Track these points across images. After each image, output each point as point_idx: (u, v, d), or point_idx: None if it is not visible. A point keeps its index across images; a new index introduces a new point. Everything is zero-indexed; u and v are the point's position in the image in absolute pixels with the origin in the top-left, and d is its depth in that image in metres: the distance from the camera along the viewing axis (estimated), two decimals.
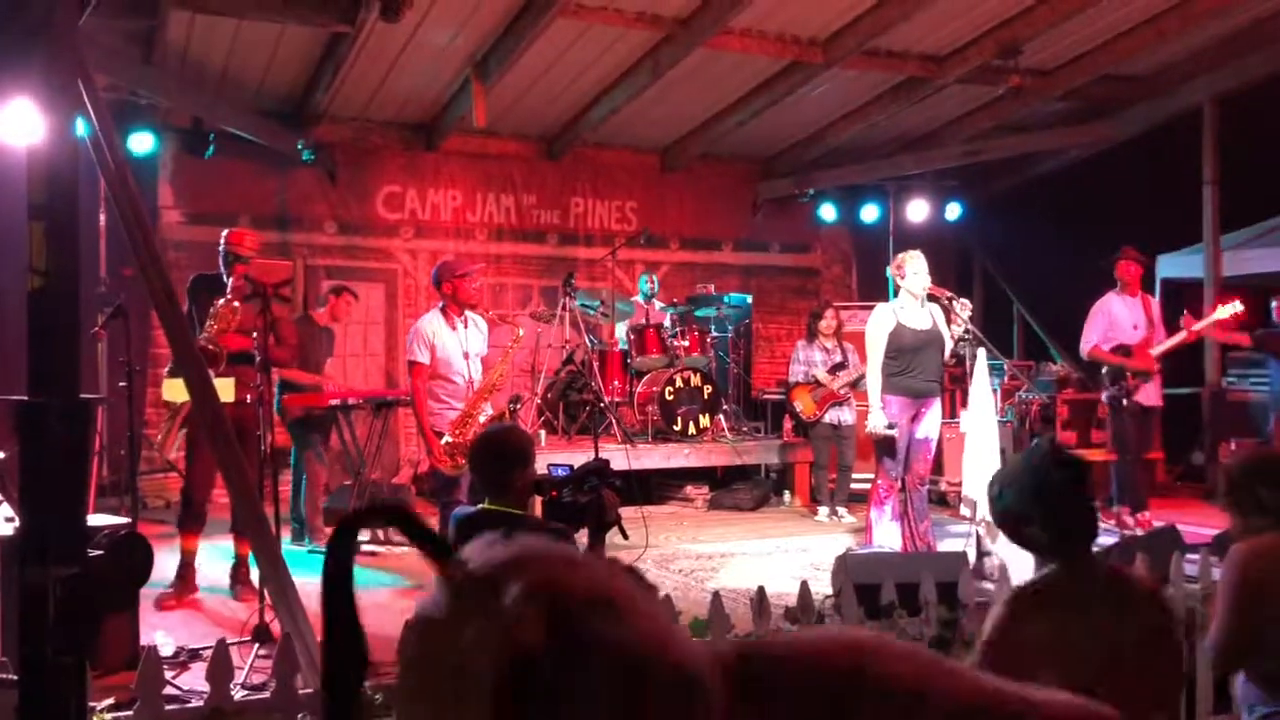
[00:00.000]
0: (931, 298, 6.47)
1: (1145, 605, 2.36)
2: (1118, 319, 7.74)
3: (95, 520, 4.67)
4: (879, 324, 6.56)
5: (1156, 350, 7.68)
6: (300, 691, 3.59)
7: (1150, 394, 7.70)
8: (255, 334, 5.15)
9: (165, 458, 6.04)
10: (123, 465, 7.61)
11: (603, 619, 0.85)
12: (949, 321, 6.49)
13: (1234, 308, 7.72)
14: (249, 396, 5.23)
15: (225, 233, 5.90)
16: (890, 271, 6.64)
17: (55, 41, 2.66)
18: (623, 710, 0.84)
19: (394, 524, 1.01)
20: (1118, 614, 2.29)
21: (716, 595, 4.07)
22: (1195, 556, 4.99)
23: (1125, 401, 7.58)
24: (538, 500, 4.09)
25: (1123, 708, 2.28)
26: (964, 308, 6.39)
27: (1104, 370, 7.81)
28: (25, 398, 2.67)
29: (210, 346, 5.36)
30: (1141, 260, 7.87)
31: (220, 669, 3.45)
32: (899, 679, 1.01)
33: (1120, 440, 7.73)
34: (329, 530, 7.41)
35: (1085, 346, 7.84)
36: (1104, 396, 7.84)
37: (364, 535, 7.47)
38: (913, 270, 6.41)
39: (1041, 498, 2.32)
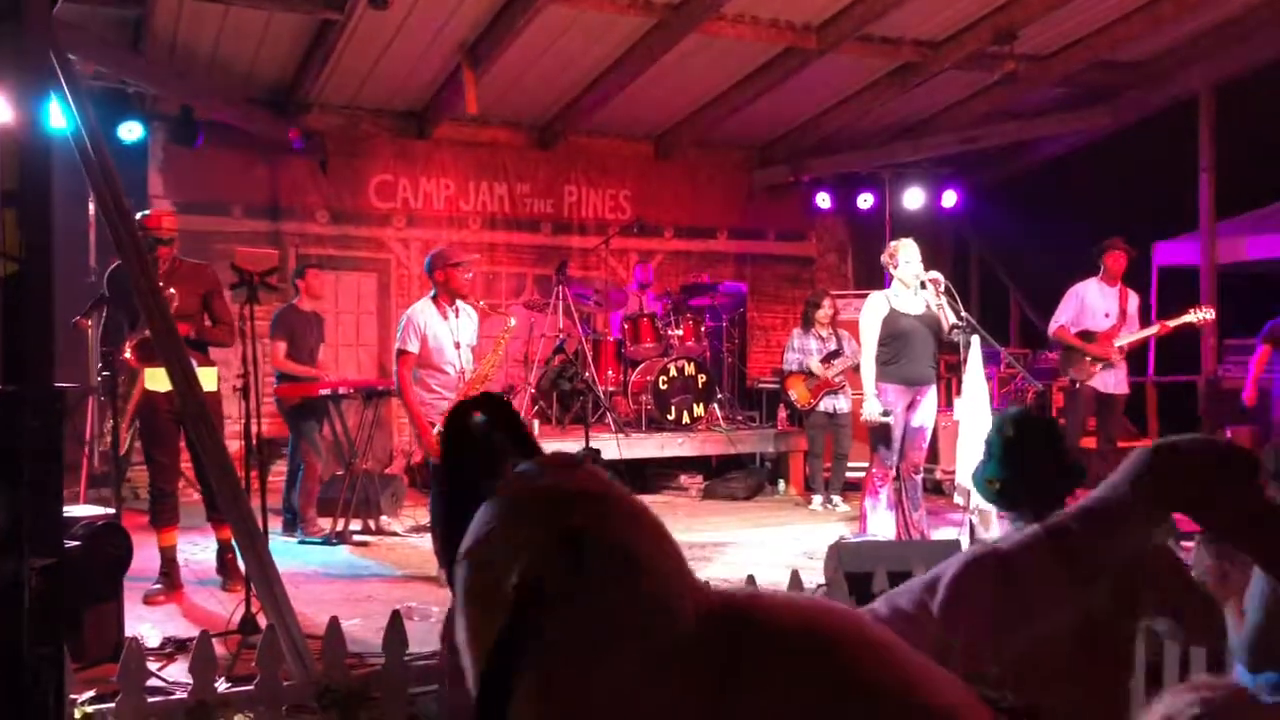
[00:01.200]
0: (924, 285, 6.44)
1: (1113, 577, 2.40)
2: (1091, 305, 7.84)
3: (80, 511, 4.65)
4: (872, 312, 6.54)
5: (1120, 341, 7.75)
6: (285, 683, 3.57)
7: (1110, 381, 7.78)
8: (193, 318, 5.09)
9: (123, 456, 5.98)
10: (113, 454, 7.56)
11: (617, 568, 1.01)
12: (954, 311, 6.42)
13: (1206, 314, 7.82)
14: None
15: (139, 216, 5.83)
16: (883, 260, 6.61)
17: (26, 24, 2.61)
18: (605, 649, 0.99)
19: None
20: (1081, 585, 2.31)
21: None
22: (1189, 544, 4.98)
23: (1078, 385, 7.72)
24: None
25: (1084, 680, 2.29)
26: (936, 283, 6.32)
27: (1062, 353, 7.93)
28: None
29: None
30: (1130, 252, 7.90)
31: (203, 661, 3.42)
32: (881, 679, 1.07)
33: (1070, 423, 7.85)
34: (322, 522, 7.41)
35: (1052, 326, 7.98)
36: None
37: (355, 525, 7.46)
38: (905, 258, 6.39)
39: (1012, 456, 2.45)
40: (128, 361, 5.40)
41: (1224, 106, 9.80)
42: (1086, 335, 7.80)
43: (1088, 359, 7.71)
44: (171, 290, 5.40)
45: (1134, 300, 7.92)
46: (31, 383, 2.64)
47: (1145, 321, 7.92)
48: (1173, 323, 7.77)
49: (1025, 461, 2.46)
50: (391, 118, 10.41)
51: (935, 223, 11.77)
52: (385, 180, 10.41)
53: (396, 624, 3.75)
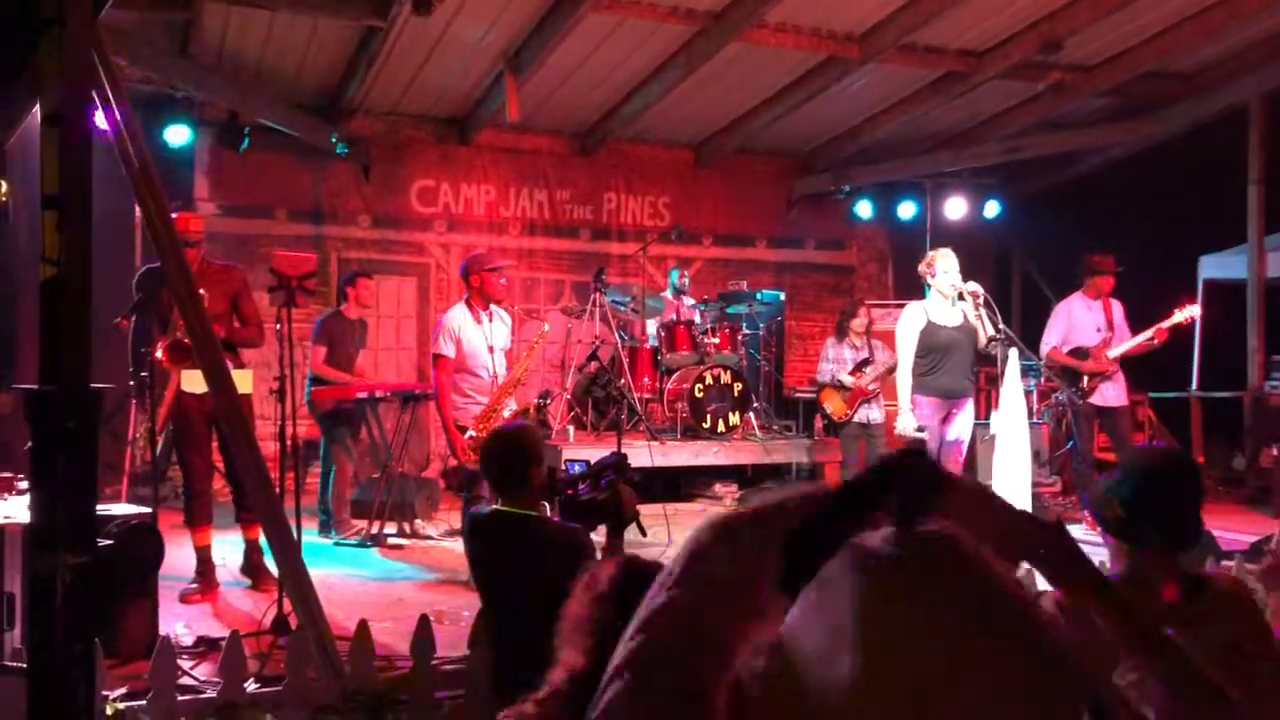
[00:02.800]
0: (962, 296, 6.37)
1: (1233, 612, 2.33)
2: (1079, 322, 7.83)
3: (119, 509, 4.72)
4: (909, 323, 6.48)
5: (1113, 352, 7.69)
6: (313, 683, 3.60)
7: (1110, 395, 7.72)
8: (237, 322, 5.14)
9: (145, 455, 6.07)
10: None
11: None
12: (992, 323, 6.34)
13: (1192, 311, 7.66)
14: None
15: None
16: (920, 269, 6.54)
17: (70, 29, 2.66)
18: None
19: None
20: (1201, 623, 2.25)
21: None
22: (1230, 563, 4.89)
23: (1081, 403, 7.68)
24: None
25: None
26: (976, 296, 6.24)
27: (1060, 373, 7.86)
28: (35, 387, 2.68)
29: (185, 339, 5.36)
30: (1113, 270, 7.84)
31: (233, 661, 3.46)
32: None
33: (1075, 442, 7.84)
34: (356, 523, 7.46)
35: (1044, 348, 7.94)
36: (1060, 397, 7.89)
37: (390, 528, 7.51)
38: (942, 269, 6.33)
39: (1155, 495, 2.35)
40: (159, 362, 5.48)
41: (1274, 118, 9.64)
42: (1080, 352, 7.76)
43: (1084, 377, 7.68)
44: (201, 291, 5.48)
45: (1118, 310, 7.87)
46: (68, 383, 2.69)
47: (1135, 328, 7.82)
48: (1166, 325, 7.66)
49: (1165, 502, 2.36)
50: (434, 124, 10.49)
51: (978, 233, 11.66)
52: (427, 185, 10.49)
53: (425, 628, 3.77)
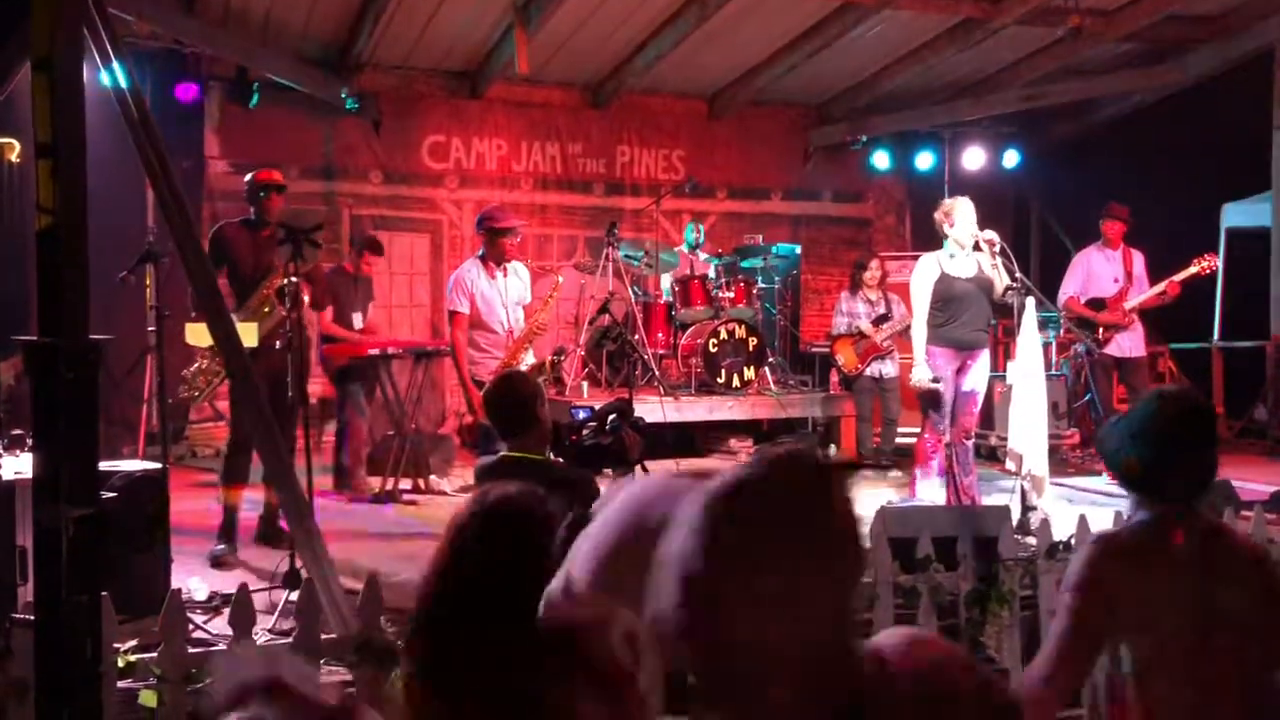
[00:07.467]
0: (979, 246, 6.27)
1: (1251, 569, 2.32)
2: (1096, 272, 7.89)
3: (128, 465, 4.73)
4: (924, 274, 6.39)
5: (1130, 304, 7.73)
6: (323, 637, 3.60)
7: (1127, 345, 7.78)
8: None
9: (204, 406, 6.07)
10: (173, 412, 7.67)
11: None
12: (1008, 272, 6.24)
13: (1208, 262, 7.65)
14: (278, 343, 5.24)
15: (251, 175, 5.93)
16: (937, 218, 6.44)
17: None
18: None
19: None
20: (1219, 574, 2.26)
21: None
22: (1249, 513, 4.84)
23: (1096, 354, 7.77)
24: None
25: (1232, 667, 2.19)
26: (992, 244, 6.16)
27: (1076, 323, 7.96)
28: (34, 339, 2.66)
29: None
30: (1125, 218, 7.87)
31: (242, 614, 3.46)
32: None
33: (1093, 393, 7.94)
34: (371, 480, 7.48)
35: (1061, 298, 7.99)
36: (1079, 348, 8.05)
37: (405, 484, 7.52)
38: (960, 217, 6.22)
39: (1169, 443, 2.30)
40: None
41: None
42: (1096, 303, 7.80)
43: (1100, 328, 7.74)
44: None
45: (1139, 261, 7.88)
46: (66, 335, 2.66)
47: (1156, 280, 7.79)
48: (1179, 277, 7.66)
49: (1181, 449, 2.30)
50: (444, 78, 10.37)
51: (996, 183, 11.51)
52: (438, 141, 10.41)
53: None
